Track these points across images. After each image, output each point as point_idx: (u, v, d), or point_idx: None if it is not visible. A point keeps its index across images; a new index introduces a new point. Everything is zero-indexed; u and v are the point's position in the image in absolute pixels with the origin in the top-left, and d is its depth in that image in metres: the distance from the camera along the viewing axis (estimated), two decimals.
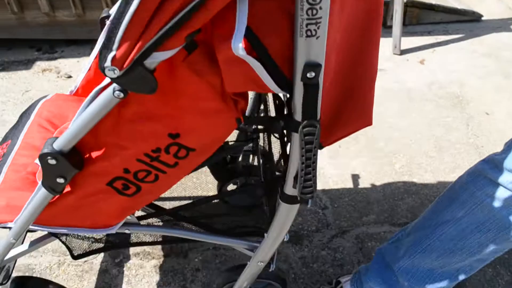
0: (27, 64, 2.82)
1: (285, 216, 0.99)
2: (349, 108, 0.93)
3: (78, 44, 2.96)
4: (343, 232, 1.75)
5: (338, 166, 2.04)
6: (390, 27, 2.81)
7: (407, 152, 2.11)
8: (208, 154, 0.86)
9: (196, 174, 1.91)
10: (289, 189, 0.89)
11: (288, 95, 0.74)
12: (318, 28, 0.61)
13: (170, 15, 0.59)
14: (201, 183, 1.89)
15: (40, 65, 2.80)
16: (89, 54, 2.87)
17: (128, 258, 1.66)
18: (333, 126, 0.92)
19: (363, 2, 0.82)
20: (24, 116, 1.32)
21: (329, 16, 0.61)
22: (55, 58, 2.86)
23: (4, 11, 2.76)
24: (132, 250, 1.68)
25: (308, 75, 0.66)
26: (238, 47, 0.63)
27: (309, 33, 0.62)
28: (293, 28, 0.63)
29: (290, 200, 0.92)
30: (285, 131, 0.99)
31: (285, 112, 0.86)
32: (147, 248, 1.68)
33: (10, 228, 1.02)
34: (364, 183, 1.96)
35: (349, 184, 1.96)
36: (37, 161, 0.99)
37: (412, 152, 2.11)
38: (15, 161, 1.15)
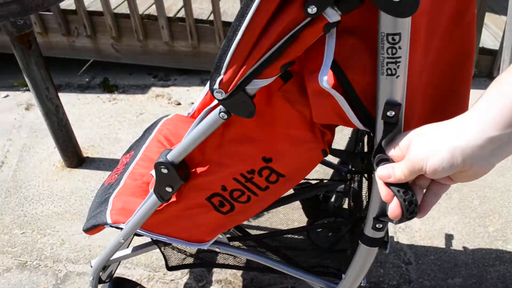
0: (143, 89, 3.10)
1: (364, 259, 1.01)
2: None
3: (190, 74, 3.21)
4: None
5: (427, 221, 2.01)
6: None
7: (503, 215, 2.02)
8: (295, 181, 0.94)
9: (284, 210, 1.99)
10: (369, 231, 0.92)
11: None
12: (397, 67, 0.64)
13: (266, 47, 0.68)
14: (287, 220, 1.96)
15: (154, 90, 3.07)
16: (198, 84, 3.10)
17: (210, 283, 1.76)
18: None
19: (452, 44, 0.82)
20: (147, 131, 1.50)
21: (411, 57, 0.64)
22: (168, 86, 3.12)
23: (132, 39, 3.09)
24: (215, 276, 1.78)
25: (388, 113, 0.68)
26: (323, 79, 0.69)
27: (389, 71, 0.64)
28: (376, 66, 0.67)
29: (369, 242, 0.95)
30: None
31: (367, 149, 0.89)
32: (229, 277, 1.78)
33: (121, 229, 1.17)
34: (453, 243, 1.91)
35: (437, 242, 1.91)
36: (152, 172, 1.14)
37: (509, 215, 2.02)
38: (135, 170, 1.31)
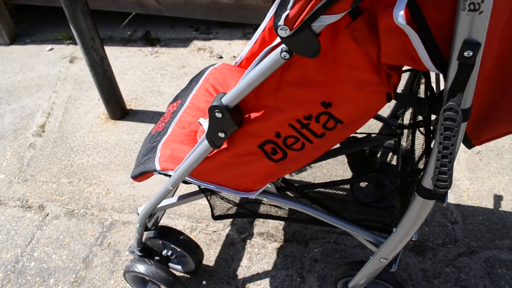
0: (185, 42, 3.07)
1: (419, 211, 0.97)
2: (508, 104, 0.86)
3: (231, 27, 3.14)
4: (471, 252, 1.68)
5: (476, 180, 1.94)
6: None
7: None
8: (354, 129, 0.90)
9: (327, 166, 1.96)
10: (427, 182, 0.89)
11: (441, 76, 0.73)
12: (482, 1, 0.59)
13: None
14: (330, 176, 1.93)
15: (196, 44, 3.04)
16: (240, 38, 3.04)
17: (252, 236, 1.77)
18: (486, 122, 0.88)
19: None
20: (194, 80, 1.48)
21: None
22: (210, 39, 3.07)
23: None
24: (257, 229, 1.79)
25: (465, 53, 0.64)
26: (399, 15, 0.65)
27: (472, 6, 0.59)
28: (456, 2, 0.62)
29: (427, 194, 0.91)
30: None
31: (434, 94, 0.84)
32: (271, 230, 1.78)
33: (169, 176, 1.17)
34: (502, 204, 1.84)
35: (485, 202, 1.85)
36: (199, 120, 1.13)
37: None
38: (182, 118, 1.31)
